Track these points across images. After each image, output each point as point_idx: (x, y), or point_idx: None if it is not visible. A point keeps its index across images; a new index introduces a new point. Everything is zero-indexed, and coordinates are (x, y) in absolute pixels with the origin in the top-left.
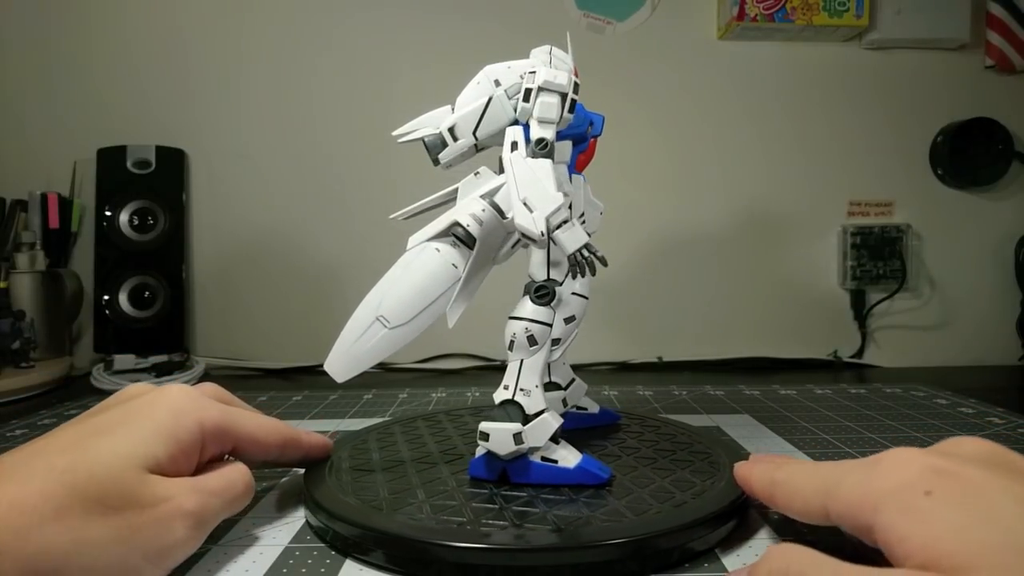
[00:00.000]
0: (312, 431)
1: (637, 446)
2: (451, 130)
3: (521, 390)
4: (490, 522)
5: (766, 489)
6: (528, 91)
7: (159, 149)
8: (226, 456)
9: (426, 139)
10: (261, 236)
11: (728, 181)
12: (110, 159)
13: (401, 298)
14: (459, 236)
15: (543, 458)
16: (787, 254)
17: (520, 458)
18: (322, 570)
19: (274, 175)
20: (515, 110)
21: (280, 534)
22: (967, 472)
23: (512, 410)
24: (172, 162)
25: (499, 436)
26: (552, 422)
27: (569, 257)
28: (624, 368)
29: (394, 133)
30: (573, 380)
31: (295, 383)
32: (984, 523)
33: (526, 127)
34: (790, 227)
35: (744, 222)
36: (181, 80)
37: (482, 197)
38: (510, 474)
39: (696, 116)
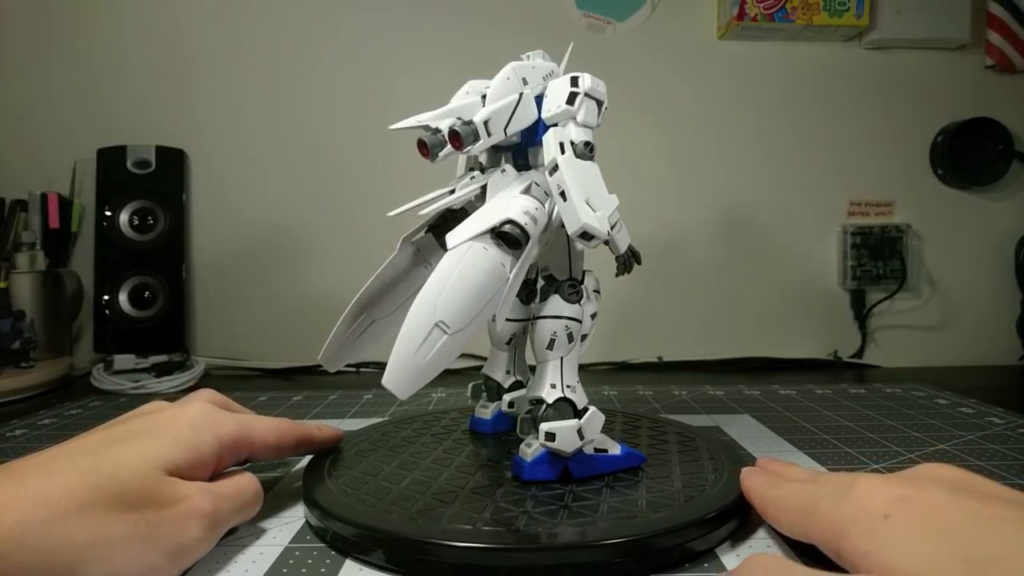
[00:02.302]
0: (323, 424)
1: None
2: (486, 124)
3: (568, 387)
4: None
5: (760, 505)
6: (573, 95)
7: (159, 149)
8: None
9: (460, 131)
10: (261, 236)
11: (728, 181)
12: (110, 159)
13: (458, 301)
14: (512, 234)
15: (596, 449)
16: (787, 254)
17: (579, 453)
18: (322, 570)
19: (274, 175)
20: (539, 110)
21: (280, 534)
22: (926, 496)
23: (564, 408)
24: (172, 162)
25: (565, 434)
26: (600, 414)
27: (620, 256)
28: (624, 368)
29: (421, 117)
30: (530, 378)
31: (295, 383)
32: (936, 538)
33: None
34: (790, 227)
35: (744, 222)
36: (181, 80)
37: (524, 194)
38: (573, 470)
39: (696, 116)
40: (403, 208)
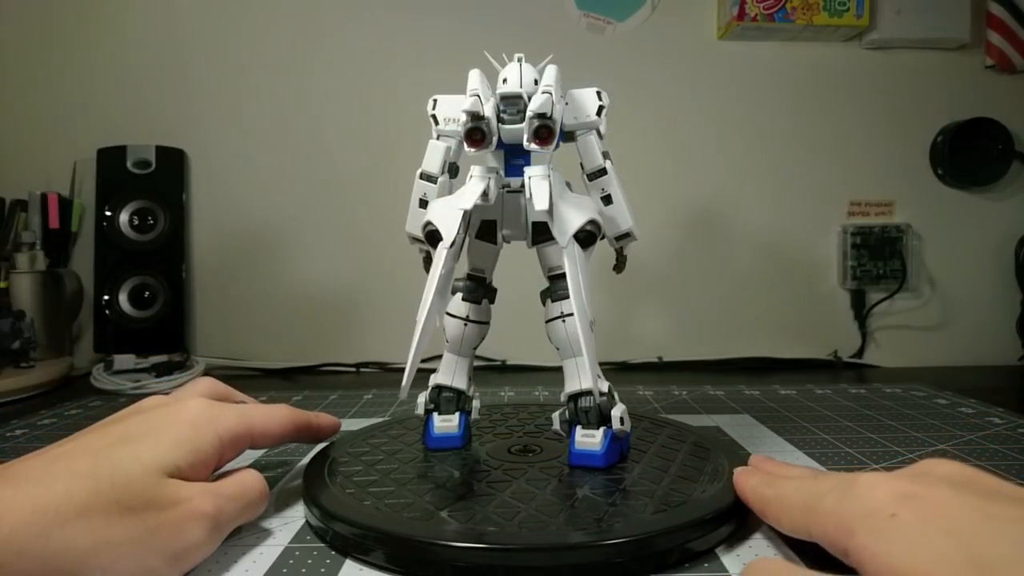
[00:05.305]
0: (320, 413)
1: (637, 446)
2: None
3: (601, 375)
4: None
5: (758, 504)
6: (601, 108)
7: (159, 149)
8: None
9: (553, 128)
10: (261, 236)
11: (728, 181)
12: (110, 159)
13: (588, 298)
14: (593, 232)
15: None
16: (787, 254)
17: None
18: (322, 570)
19: (274, 175)
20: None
21: (280, 534)
22: (932, 494)
23: (610, 394)
24: (172, 162)
25: (627, 417)
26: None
27: (624, 256)
28: (624, 368)
29: (464, 101)
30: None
31: (295, 383)
32: (944, 537)
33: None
34: (790, 227)
35: (744, 222)
36: (181, 80)
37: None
38: (623, 448)
39: (696, 116)
40: (470, 204)
